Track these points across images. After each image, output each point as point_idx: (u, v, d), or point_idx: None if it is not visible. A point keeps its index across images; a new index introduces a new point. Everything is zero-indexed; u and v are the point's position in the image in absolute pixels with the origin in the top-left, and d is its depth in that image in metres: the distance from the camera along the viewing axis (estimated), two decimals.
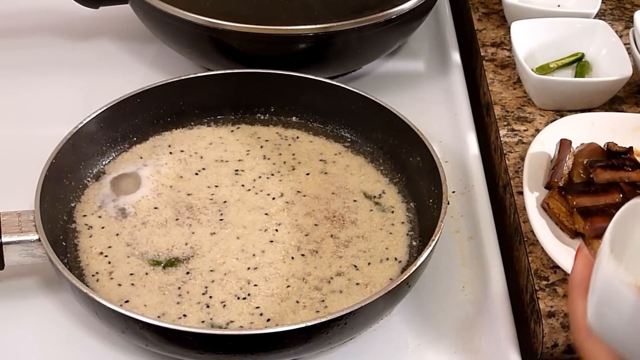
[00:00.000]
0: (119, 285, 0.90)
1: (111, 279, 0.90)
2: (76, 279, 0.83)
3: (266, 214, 0.97)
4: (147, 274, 0.91)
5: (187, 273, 0.91)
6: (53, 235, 0.90)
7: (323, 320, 0.80)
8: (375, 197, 1.00)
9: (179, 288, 0.89)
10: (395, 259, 0.93)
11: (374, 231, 0.96)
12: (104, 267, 0.91)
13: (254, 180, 1.01)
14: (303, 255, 0.93)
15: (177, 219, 0.96)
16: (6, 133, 1.13)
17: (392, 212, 0.98)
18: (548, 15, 1.20)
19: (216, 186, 1.01)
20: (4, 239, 0.87)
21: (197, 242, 0.94)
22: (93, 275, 0.91)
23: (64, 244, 0.93)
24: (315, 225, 0.96)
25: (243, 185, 1.01)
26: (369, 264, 0.92)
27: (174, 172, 1.02)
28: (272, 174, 1.02)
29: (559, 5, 1.26)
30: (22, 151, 1.08)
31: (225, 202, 0.98)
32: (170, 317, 0.86)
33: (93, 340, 0.89)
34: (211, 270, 0.91)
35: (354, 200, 0.99)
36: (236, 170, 1.03)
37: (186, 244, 0.94)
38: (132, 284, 0.90)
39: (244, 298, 0.88)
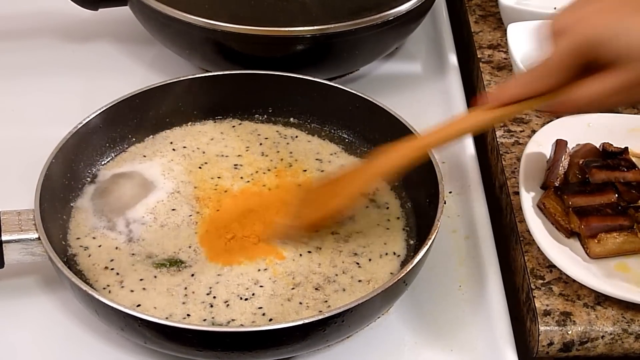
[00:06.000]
0: (132, 291, 0.89)
1: (122, 287, 0.90)
2: (75, 276, 0.84)
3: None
4: (155, 277, 0.91)
5: (192, 275, 0.91)
6: (52, 234, 0.90)
7: (320, 317, 0.80)
8: (369, 194, 1.00)
9: (185, 289, 0.89)
10: (394, 253, 0.94)
11: (371, 227, 0.96)
12: (113, 279, 0.91)
13: (251, 174, 1.02)
14: (309, 252, 0.93)
15: (190, 215, 0.97)
16: (6, 134, 1.14)
17: (387, 208, 0.99)
18: (544, 17, 1.20)
19: (219, 177, 1.01)
20: (4, 238, 0.88)
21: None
22: (104, 288, 0.90)
23: (63, 242, 0.94)
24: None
25: (242, 178, 1.01)
26: (369, 260, 0.93)
27: (183, 168, 1.02)
28: (269, 169, 1.03)
29: (555, 8, 1.26)
30: (22, 151, 1.09)
31: (226, 191, 0.99)
32: (176, 318, 0.86)
33: (92, 339, 0.89)
34: (218, 275, 0.91)
35: None
36: (235, 165, 1.03)
37: (189, 246, 0.94)
38: (144, 289, 0.90)
39: (247, 299, 0.88)
